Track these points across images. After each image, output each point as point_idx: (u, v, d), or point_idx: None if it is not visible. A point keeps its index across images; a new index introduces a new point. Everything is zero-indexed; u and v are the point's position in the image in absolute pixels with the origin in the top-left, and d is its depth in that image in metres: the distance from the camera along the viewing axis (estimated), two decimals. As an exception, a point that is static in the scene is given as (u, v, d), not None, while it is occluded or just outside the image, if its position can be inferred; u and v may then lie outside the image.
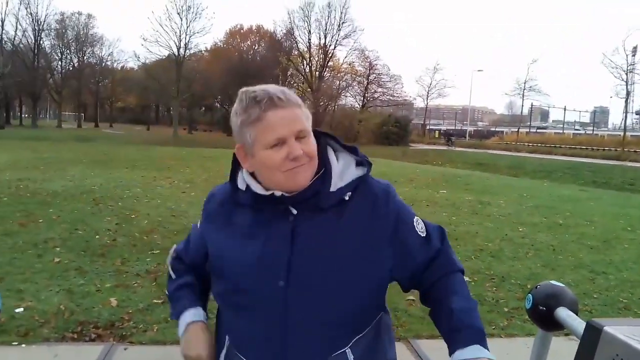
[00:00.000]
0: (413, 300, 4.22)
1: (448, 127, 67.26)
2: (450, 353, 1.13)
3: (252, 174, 1.19)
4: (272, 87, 1.13)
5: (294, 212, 1.14)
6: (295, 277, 1.11)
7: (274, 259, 1.12)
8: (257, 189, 1.16)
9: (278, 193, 1.13)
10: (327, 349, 1.15)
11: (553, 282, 1.88)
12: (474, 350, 1.11)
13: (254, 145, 1.12)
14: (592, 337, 1.21)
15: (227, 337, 1.23)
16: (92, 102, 65.70)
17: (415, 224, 1.23)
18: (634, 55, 34.81)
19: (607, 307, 4.52)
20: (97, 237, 6.19)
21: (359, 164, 1.21)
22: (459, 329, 1.14)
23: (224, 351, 1.23)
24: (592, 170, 19.71)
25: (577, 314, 1.60)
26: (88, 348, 3.39)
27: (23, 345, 3.33)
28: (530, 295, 1.80)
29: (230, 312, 1.22)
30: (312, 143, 1.14)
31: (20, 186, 9.79)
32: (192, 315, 1.27)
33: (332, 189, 1.16)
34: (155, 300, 4.17)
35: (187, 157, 18.99)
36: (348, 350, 1.16)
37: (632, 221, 8.98)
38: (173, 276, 1.37)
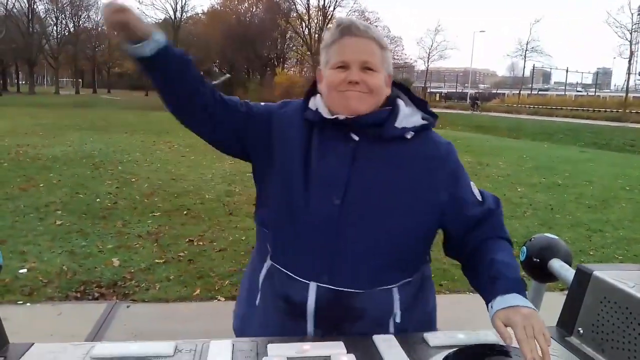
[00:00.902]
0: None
1: (450, 90, 66.53)
2: (489, 300, 1.09)
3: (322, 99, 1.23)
4: (358, 19, 1.20)
5: (356, 138, 1.17)
6: (351, 197, 1.13)
7: (332, 178, 1.15)
8: (324, 112, 1.20)
9: (342, 116, 1.16)
10: (374, 279, 1.17)
11: (547, 234, 1.90)
12: (512, 298, 1.05)
13: (325, 66, 1.19)
14: (581, 281, 1.23)
15: (269, 256, 1.23)
16: (89, 68, 64.85)
17: (472, 186, 1.25)
18: (639, 14, 34.11)
19: (603, 263, 4.58)
20: (97, 200, 6.22)
21: (424, 119, 1.24)
22: (496, 277, 1.11)
23: (265, 269, 1.24)
24: (593, 131, 19.62)
25: (570, 266, 1.62)
26: (91, 306, 3.45)
27: (28, 304, 3.40)
28: (524, 247, 1.82)
29: (278, 229, 1.21)
30: (377, 78, 1.17)
31: (20, 152, 9.78)
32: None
33: (397, 124, 1.19)
34: (157, 260, 4.22)
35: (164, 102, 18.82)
36: (395, 289, 1.19)
37: (631, 181, 9.00)
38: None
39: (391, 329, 1.20)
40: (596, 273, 1.20)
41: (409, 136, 1.19)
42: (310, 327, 1.17)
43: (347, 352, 1.05)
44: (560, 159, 11.89)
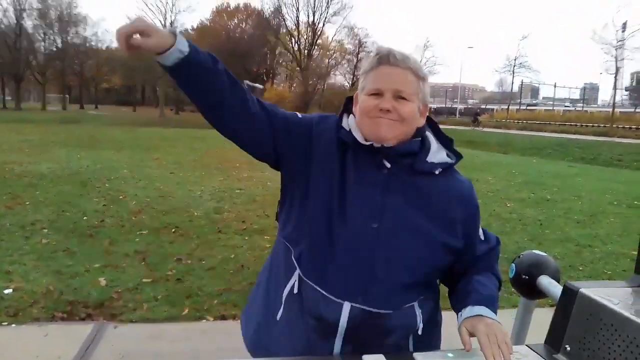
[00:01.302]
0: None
1: (439, 105, 67.13)
2: (459, 310, 1.21)
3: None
4: (397, 50, 1.21)
5: (388, 165, 1.21)
6: (386, 222, 1.19)
7: (370, 203, 1.19)
8: (358, 136, 1.23)
9: (377, 145, 1.20)
10: (402, 299, 1.22)
11: (536, 251, 1.91)
12: (481, 309, 1.17)
13: (362, 91, 1.23)
14: (568, 299, 1.24)
15: (297, 270, 1.24)
16: (76, 83, 64.57)
17: (480, 225, 1.33)
18: (623, 31, 34.79)
19: (592, 278, 4.60)
20: (84, 218, 6.15)
21: (448, 156, 1.29)
22: (470, 291, 1.23)
23: (292, 285, 1.24)
24: (581, 146, 19.87)
25: (559, 282, 1.63)
26: (78, 327, 3.39)
27: (13, 325, 3.33)
28: (513, 264, 1.84)
29: (313, 248, 1.22)
30: (408, 107, 1.20)
31: (5, 169, 9.67)
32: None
33: (428, 159, 1.24)
34: (144, 280, 4.17)
35: (175, 138, 18.85)
36: (415, 304, 1.24)
37: (619, 196, 9.10)
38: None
39: (411, 344, 1.26)
40: (582, 290, 1.21)
41: (437, 172, 1.24)
42: (338, 344, 1.21)
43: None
44: (549, 174, 12.02)
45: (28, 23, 50.87)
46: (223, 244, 5.25)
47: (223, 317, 3.56)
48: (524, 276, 1.76)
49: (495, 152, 18.16)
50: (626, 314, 1.08)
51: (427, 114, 1.30)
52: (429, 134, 1.30)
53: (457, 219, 1.24)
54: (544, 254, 1.84)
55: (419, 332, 1.25)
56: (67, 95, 61.70)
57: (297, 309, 1.24)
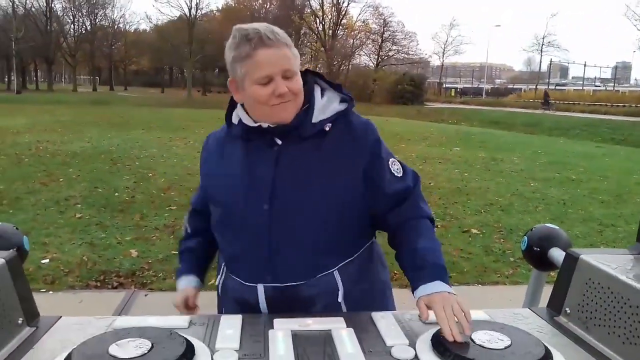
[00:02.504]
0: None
1: (465, 86, 65.97)
2: (414, 289, 1.21)
3: (244, 108, 1.28)
4: (263, 26, 1.18)
5: (279, 142, 1.24)
6: (278, 200, 1.21)
7: (258, 184, 1.23)
8: (247, 120, 1.26)
9: (265, 125, 1.23)
10: (312, 270, 1.25)
11: (548, 224, 1.96)
12: (436, 285, 1.17)
13: (244, 80, 1.20)
14: (570, 265, 1.31)
15: (223, 263, 1.38)
16: (106, 65, 65.56)
17: (390, 163, 1.29)
18: (660, 7, 33.42)
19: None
20: (116, 194, 6.39)
21: (342, 100, 1.29)
22: (422, 267, 1.21)
23: (221, 277, 1.39)
24: (611, 127, 19.35)
25: (570, 254, 1.68)
26: (111, 294, 3.59)
27: (50, 292, 3.55)
28: (525, 237, 1.89)
29: (224, 238, 1.34)
30: (297, 81, 1.21)
31: (40, 147, 10.03)
32: (185, 282, 1.44)
33: (314, 120, 1.24)
34: (173, 252, 4.34)
35: (202, 118, 19.05)
36: (335, 272, 1.27)
37: (647, 176, 8.93)
38: (184, 234, 1.53)
39: (344, 306, 1.29)
40: (583, 257, 1.27)
41: (327, 128, 1.24)
42: None
43: (347, 327, 1.14)
44: (575, 154, 11.82)
45: (57, 6, 51.72)
46: (247, 220, 5.40)
47: (247, 288, 3.71)
48: (535, 248, 1.82)
49: (521, 133, 17.86)
50: (622, 277, 1.14)
51: (310, 71, 1.31)
52: (317, 92, 1.28)
53: (355, 164, 1.24)
54: (556, 227, 1.89)
55: (343, 297, 1.27)
56: (97, 77, 62.78)
57: (228, 296, 1.38)
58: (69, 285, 3.68)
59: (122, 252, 4.31)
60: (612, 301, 1.14)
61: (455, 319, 1.08)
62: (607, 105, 34.61)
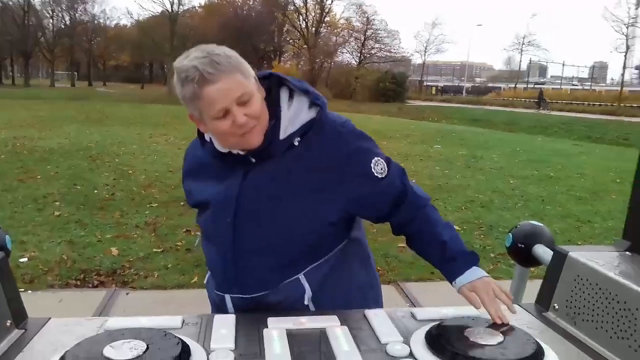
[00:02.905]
0: (403, 247, 4.37)
1: (446, 84, 66.58)
2: (451, 281, 1.25)
3: None
4: (201, 60, 1.09)
5: (253, 160, 1.21)
6: (242, 214, 1.22)
7: (224, 199, 1.24)
8: (219, 146, 1.24)
9: (235, 151, 1.21)
10: (278, 277, 1.25)
11: (532, 222, 1.99)
12: (472, 272, 1.23)
13: (202, 117, 1.15)
14: (558, 261, 1.33)
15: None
16: (84, 60, 64.36)
17: (373, 165, 1.23)
18: (637, 8, 34.17)
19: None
20: (95, 191, 6.29)
21: (313, 104, 1.22)
22: (454, 258, 1.26)
23: (208, 274, 1.42)
24: (588, 125, 19.74)
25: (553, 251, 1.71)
26: (92, 293, 3.54)
27: (29, 292, 3.48)
28: (510, 234, 1.92)
29: (203, 251, 1.39)
30: (255, 103, 1.14)
31: (17, 144, 9.82)
32: None
33: (282, 136, 1.19)
34: (155, 250, 4.31)
35: (182, 115, 18.59)
36: (301, 276, 1.26)
37: (622, 174, 9.11)
38: None
39: (311, 308, 1.28)
40: (571, 254, 1.29)
41: (296, 143, 1.20)
42: None
43: (341, 325, 1.14)
44: (553, 152, 12.01)
45: (36, 0, 50.61)
46: (231, 218, 5.37)
47: (231, 286, 3.69)
48: (520, 245, 1.85)
49: (500, 131, 18.10)
50: (610, 274, 1.17)
51: (275, 75, 1.26)
52: (283, 100, 1.22)
53: (330, 174, 1.20)
54: (539, 224, 1.92)
55: (308, 299, 1.27)
56: (76, 73, 61.63)
57: (211, 300, 1.41)
58: (48, 284, 3.61)
59: (103, 250, 4.25)
60: (600, 297, 1.16)
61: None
62: (584, 104, 35.30)
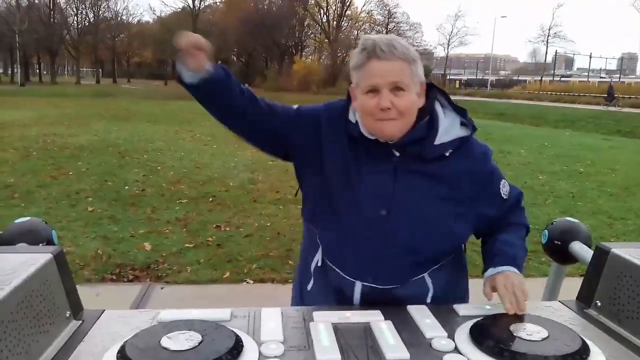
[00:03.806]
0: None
1: (470, 77, 65.69)
2: (484, 272, 1.29)
3: None
4: (383, 38, 1.21)
5: (397, 154, 1.26)
6: (395, 209, 1.25)
7: (379, 191, 1.26)
8: (365, 131, 1.27)
9: (382, 140, 1.25)
10: (410, 273, 1.31)
11: (568, 218, 1.98)
12: (503, 268, 1.26)
13: (357, 88, 1.24)
14: (600, 258, 1.33)
15: (320, 250, 1.36)
16: (109, 57, 65.47)
17: (501, 186, 1.35)
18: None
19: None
20: (126, 187, 6.43)
21: (462, 124, 1.30)
22: (497, 254, 1.29)
23: (317, 261, 1.38)
24: (616, 119, 19.30)
25: (590, 248, 1.70)
26: (128, 287, 3.63)
27: (68, 285, 3.58)
28: (546, 230, 1.92)
29: (325, 231, 1.34)
30: (407, 99, 1.20)
31: (47, 141, 10.07)
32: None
33: (437, 142, 1.26)
34: (187, 245, 4.39)
35: (206, 112, 19.06)
36: (426, 275, 1.33)
37: (655, 169, 8.92)
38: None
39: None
40: (614, 250, 1.29)
41: (447, 154, 1.26)
42: None
43: (385, 319, 1.16)
44: (582, 146, 11.80)
45: (60, -2, 51.61)
46: (259, 213, 5.43)
47: (262, 281, 3.75)
48: (556, 242, 1.84)
49: (527, 125, 17.82)
50: (655, 270, 1.16)
51: (436, 86, 1.33)
52: (439, 109, 1.30)
53: (471, 196, 1.29)
54: (576, 220, 1.91)
55: (430, 298, 1.33)
56: (100, 70, 62.73)
57: (323, 281, 1.37)
58: (85, 279, 3.71)
59: (136, 245, 4.35)
60: (645, 294, 1.16)
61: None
62: (613, 96, 34.41)
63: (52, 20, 49.55)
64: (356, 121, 1.29)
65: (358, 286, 1.30)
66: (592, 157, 10.14)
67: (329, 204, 1.30)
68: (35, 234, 1.65)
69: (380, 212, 1.25)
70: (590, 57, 61.87)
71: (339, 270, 1.32)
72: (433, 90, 1.31)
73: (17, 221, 1.66)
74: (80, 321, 1.17)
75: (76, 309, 1.19)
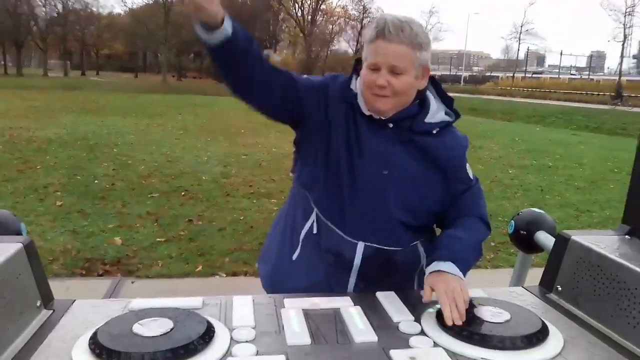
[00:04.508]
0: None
1: (444, 73, 66.41)
2: (428, 264, 1.28)
3: None
4: (396, 20, 1.27)
5: (390, 125, 1.36)
6: (395, 170, 1.34)
7: (380, 153, 1.34)
8: (362, 105, 1.36)
9: (376, 116, 1.34)
10: (411, 237, 1.40)
11: (534, 209, 2.05)
12: (447, 265, 1.23)
13: (364, 61, 1.32)
14: (561, 245, 1.38)
15: (313, 216, 1.40)
16: (77, 49, 63.86)
17: (467, 169, 1.45)
18: (633, -2, 34.16)
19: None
20: (95, 181, 6.32)
21: (446, 114, 1.42)
22: (444, 248, 1.30)
23: (308, 228, 1.41)
24: (586, 115, 19.81)
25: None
26: (98, 282, 3.59)
27: (36, 280, 3.51)
28: (512, 221, 1.98)
29: (326, 192, 1.37)
30: (404, 81, 1.29)
31: (14, 134, 9.79)
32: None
33: (426, 120, 1.37)
34: (158, 239, 4.35)
35: (178, 104, 18.81)
36: (418, 244, 1.43)
37: (620, 163, 9.20)
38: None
39: (416, 283, 1.44)
40: (574, 237, 1.34)
41: (434, 132, 1.37)
42: (352, 279, 1.38)
43: (354, 305, 1.19)
44: (552, 141, 12.09)
45: (28, -13, 50.02)
46: (232, 207, 5.42)
47: (234, 274, 3.75)
48: (522, 232, 1.90)
49: (499, 120, 18.15)
50: (611, 255, 1.22)
51: (431, 76, 1.39)
52: (430, 95, 1.41)
53: (449, 171, 1.39)
54: (541, 211, 1.97)
55: (423, 269, 1.35)
56: (68, 62, 61.13)
57: (315, 248, 1.39)
58: (54, 273, 3.64)
59: (106, 240, 4.29)
60: (601, 278, 1.22)
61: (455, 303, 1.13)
62: (582, 93, 35.35)
63: (17, 10, 48.00)
64: (356, 93, 1.37)
65: (360, 247, 1.35)
66: (561, 151, 10.40)
67: (332, 167, 1.36)
68: (4, 226, 1.63)
69: (383, 172, 1.33)
70: (561, 55, 63.38)
71: (340, 232, 1.36)
72: (429, 79, 1.41)
73: (-17, 213, 1.63)
74: (51, 310, 1.16)
75: (47, 298, 1.18)
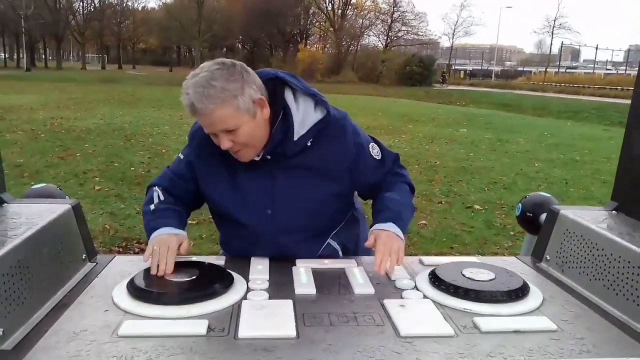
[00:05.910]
0: (425, 223, 4.55)
1: (475, 67, 65.46)
2: (371, 226, 1.38)
3: None
4: (198, 89, 1.19)
5: (268, 157, 1.35)
6: (278, 206, 1.38)
7: (263, 194, 1.38)
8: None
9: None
10: (316, 246, 1.47)
11: (540, 192, 2.16)
12: (388, 225, 1.35)
13: None
14: (551, 219, 1.51)
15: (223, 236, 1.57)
16: (114, 43, 65.56)
17: (370, 149, 1.45)
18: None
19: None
20: (132, 168, 6.62)
21: (317, 104, 1.36)
22: (383, 210, 1.39)
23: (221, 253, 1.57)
24: (620, 110, 19.27)
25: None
26: (135, 258, 3.83)
27: (76, 256, 3.79)
28: (519, 204, 2.10)
29: (228, 225, 1.50)
30: (244, 132, 1.24)
31: (54, 124, 10.26)
32: (177, 231, 1.39)
33: (295, 137, 1.32)
34: (190, 222, 4.56)
35: (211, 98, 19.15)
36: (330, 241, 1.50)
37: (651, 158, 9.02)
38: (161, 198, 1.53)
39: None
40: (563, 212, 1.47)
41: (309, 144, 1.34)
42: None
43: (358, 266, 1.35)
44: (582, 136, 11.89)
45: (66, -17, 51.56)
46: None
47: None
48: (528, 214, 2.02)
49: (529, 115, 17.89)
50: (593, 227, 1.34)
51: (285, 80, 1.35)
52: (291, 101, 1.33)
53: (345, 174, 1.40)
54: (547, 194, 2.08)
55: (341, 255, 1.50)
56: (105, 55, 62.78)
57: None
58: (93, 251, 3.91)
59: (142, 221, 4.53)
60: (584, 247, 1.34)
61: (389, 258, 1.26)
62: (617, 89, 34.34)
63: (57, 5, 49.56)
64: None
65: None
66: (590, 146, 10.25)
67: (223, 211, 1.44)
68: (52, 197, 1.83)
69: (267, 211, 1.38)
70: (597, 49, 61.43)
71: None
72: (277, 86, 1.33)
73: (34, 187, 1.84)
74: (95, 263, 1.36)
75: (91, 252, 1.38)
